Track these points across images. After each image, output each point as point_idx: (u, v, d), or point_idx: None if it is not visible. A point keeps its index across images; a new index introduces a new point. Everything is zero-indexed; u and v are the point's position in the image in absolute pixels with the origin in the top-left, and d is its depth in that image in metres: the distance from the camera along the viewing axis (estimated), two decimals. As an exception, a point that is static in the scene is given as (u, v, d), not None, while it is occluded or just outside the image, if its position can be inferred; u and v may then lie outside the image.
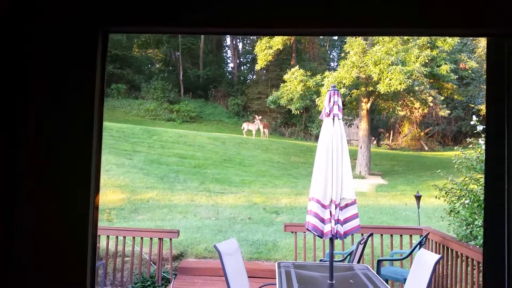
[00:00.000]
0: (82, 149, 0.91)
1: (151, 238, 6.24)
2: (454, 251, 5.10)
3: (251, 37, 30.56)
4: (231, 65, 34.55)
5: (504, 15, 0.87)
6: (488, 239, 0.94)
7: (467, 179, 5.50)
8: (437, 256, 3.94)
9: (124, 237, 6.27)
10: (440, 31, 0.94)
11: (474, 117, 5.85)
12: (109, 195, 11.02)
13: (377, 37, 15.49)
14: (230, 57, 34.88)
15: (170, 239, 6.14)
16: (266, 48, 18.87)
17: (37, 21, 0.91)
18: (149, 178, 13.00)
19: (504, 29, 0.88)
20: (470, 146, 6.00)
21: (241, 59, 35.08)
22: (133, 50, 30.79)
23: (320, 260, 5.77)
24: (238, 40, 33.89)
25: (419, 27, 0.90)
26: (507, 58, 0.90)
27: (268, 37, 18.93)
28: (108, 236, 6.23)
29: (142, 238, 6.21)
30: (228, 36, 31.92)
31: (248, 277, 4.47)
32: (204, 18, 0.92)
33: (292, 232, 6.46)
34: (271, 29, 0.94)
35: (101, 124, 0.96)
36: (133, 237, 6.31)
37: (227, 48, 35.42)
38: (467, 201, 5.32)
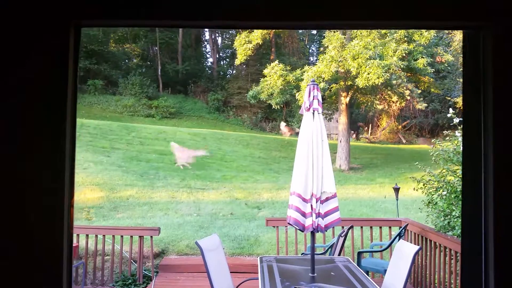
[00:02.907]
0: (54, 146, 0.89)
1: (131, 236, 6.15)
2: (432, 242, 5.20)
3: (230, 32, 30.40)
4: (210, 60, 34.30)
5: (478, 7, 0.88)
6: (465, 230, 0.95)
7: (444, 171, 5.61)
8: (416, 247, 4.00)
9: (104, 235, 6.18)
10: (416, 24, 0.94)
11: (450, 110, 5.97)
12: (87, 194, 10.82)
13: (355, 31, 15.61)
14: (209, 51, 34.62)
15: (151, 236, 6.07)
16: (246, 42, 18.79)
17: (5, 15, 0.87)
18: (128, 176, 12.82)
19: (478, 22, 0.89)
20: (447, 138, 6.12)
21: (221, 54, 34.87)
22: (109, 45, 30.19)
23: (302, 254, 5.81)
24: (217, 35, 33.65)
25: (396, 19, 0.90)
26: (482, 50, 0.91)
27: (247, 31, 18.85)
28: (87, 235, 6.13)
29: (122, 236, 6.12)
30: (207, 30, 31.70)
31: (231, 272, 4.46)
32: (181, 11, 0.89)
33: (274, 226, 6.48)
34: (252, 22, 0.92)
35: (75, 121, 0.93)
36: (113, 236, 6.21)
37: (206, 43, 35.14)
38: (444, 193, 5.42)
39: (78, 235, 6.19)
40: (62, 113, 0.89)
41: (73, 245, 5.88)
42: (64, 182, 0.89)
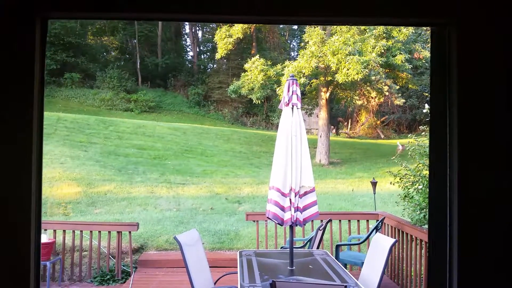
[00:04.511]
0: (20, 140, 0.87)
1: (109, 232, 6.08)
2: (408, 235, 5.32)
3: (211, 25, 30.15)
4: (190, 53, 33.98)
5: (443, 5, 0.90)
6: (432, 220, 0.99)
7: (420, 165, 5.73)
8: (393, 240, 4.09)
9: (81, 231, 6.08)
10: (383, 21, 0.96)
11: (426, 105, 6.08)
12: (64, 189, 10.62)
13: (335, 27, 15.71)
14: (189, 45, 34.28)
15: (129, 232, 6.02)
16: (226, 36, 18.67)
17: None
18: (106, 171, 12.63)
19: (444, 19, 0.91)
20: (423, 133, 6.25)
21: (201, 48, 34.58)
22: (87, 38, 29.55)
23: (281, 247, 5.85)
24: (197, 28, 33.33)
25: (365, 16, 0.91)
26: (448, 46, 0.93)
27: (228, 25, 18.72)
28: (64, 231, 6.03)
29: (100, 232, 6.05)
30: (187, 23, 31.34)
31: (210, 267, 4.46)
32: (150, 3, 0.88)
33: (254, 221, 6.50)
34: (220, 16, 0.92)
35: (42, 115, 0.91)
36: (91, 231, 6.14)
37: (186, 36, 34.77)
38: (420, 187, 5.54)
39: (55, 230, 6.08)
40: (29, 107, 0.87)
41: (50, 241, 5.78)
42: (31, 177, 0.87)
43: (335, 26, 15.60)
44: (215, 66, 32.21)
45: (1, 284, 0.85)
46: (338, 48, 14.49)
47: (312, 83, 16.84)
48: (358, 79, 14.61)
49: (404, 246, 5.43)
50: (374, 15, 0.91)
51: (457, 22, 0.90)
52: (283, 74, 15.82)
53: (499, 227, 0.89)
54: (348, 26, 15.02)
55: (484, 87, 0.90)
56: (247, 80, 17.11)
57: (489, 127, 0.90)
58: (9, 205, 0.86)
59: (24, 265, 0.86)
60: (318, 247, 5.23)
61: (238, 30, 18.33)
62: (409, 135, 7.21)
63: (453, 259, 0.91)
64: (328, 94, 17.27)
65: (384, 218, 5.92)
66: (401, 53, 15.79)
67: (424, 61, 18.63)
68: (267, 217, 4.09)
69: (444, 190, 0.94)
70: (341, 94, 18.08)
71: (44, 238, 5.73)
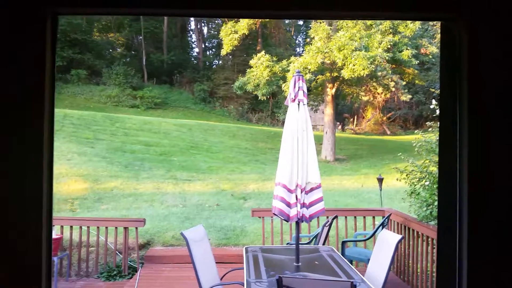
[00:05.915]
0: (32, 138, 0.87)
1: (116, 228, 6.12)
2: (415, 231, 5.30)
3: (216, 21, 30.11)
4: (196, 50, 33.99)
5: None
6: (441, 217, 0.98)
7: (427, 161, 5.69)
8: (399, 236, 4.07)
9: (88, 227, 6.12)
10: (394, 15, 0.95)
11: (433, 101, 6.02)
12: (71, 185, 10.70)
13: (341, 22, 15.62)
14: (195, 41, 34.29)
15: (136, 228, 6.05)
16: (232, 32, 18.62)
17: None
18: (112, 167, 12.69)
19: (454, 13, 0.90)
20: (430, 129, 6.20)
21: (207, 44, 34.57)
22: (93, 34, 29.65)
23: (287, 244, 5.86)
24: (203, 24, 33.31)
25: (373, 10, 0.90)
26: (458, 41, 0.92)
27: (233, 21, 18.69)
28: (71, 227, 6.07)
29: (106, 227, 6.08)
30: (192, 19, 31.33)
31: (216, 262, 4.47)
32: None
33: (260, 217, 6.51)
34: (225, 10, 0.91)
35: (53, 112, 0.91)
36: (98, 227, 6.17)
37: (191, 32, 34.77)
38: (427, 183, 5.50)
39: (62, 226, 6.13)
40: (40, 104, 0.87)
41: (57, 236, 5.83)
42: (42, 174, 0.87)
43: (341, 22, 15.50)
44: (220, 62, 32.21)
45: (14, 280, 0.86)
46: (344, 44, 14.41)
47: (318, 79, 16.77)
48: (364, 75, 14.52)
49: (411, 243, 5.41)
50: (382, 9, 0.90)
51: (467, 16, 0.88)
52: (288, 70, 15.78)
53: (509, 224, 0.88)
54: (354, 22, 14.92)
55: (495, 82, 0.89)
56: (253, 76, 17.08)
57: (499, 123, 0.88)
58: (21, 202, 0.87)
59: (35, 261, 0.87)
60: (324, 244, 5.22)
61: (243, 26, 18.27)
62: (415, 131, 7.14)
63: (463, 256, 0.90)
64: (334, 90, 17.20)
65: (390, 214, 5.90)
66: (407, 49, 15.67)
67: (431, 57, 18.49)
68: (273, 213, 4.09)
69: (453, 187, 0.93)
70: (347, 90, 18.00)
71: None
